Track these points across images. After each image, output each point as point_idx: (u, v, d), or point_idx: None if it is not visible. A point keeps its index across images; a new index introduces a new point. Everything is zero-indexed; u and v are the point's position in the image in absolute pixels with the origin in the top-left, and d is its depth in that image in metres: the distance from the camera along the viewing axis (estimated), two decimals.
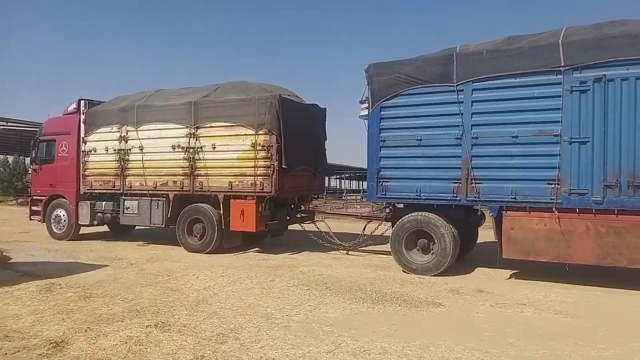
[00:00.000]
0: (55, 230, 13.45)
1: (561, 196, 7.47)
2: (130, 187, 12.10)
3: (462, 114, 8.21)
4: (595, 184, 7.31)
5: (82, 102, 12.99)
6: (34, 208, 14.10)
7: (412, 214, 8.67)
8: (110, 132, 12.39)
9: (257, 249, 11.62)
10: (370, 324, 5.65)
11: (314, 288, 7.46)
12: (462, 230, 8.80)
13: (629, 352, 4.84)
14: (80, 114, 12.94)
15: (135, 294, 7.13)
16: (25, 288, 7.38)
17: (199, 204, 11.30)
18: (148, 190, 11.83)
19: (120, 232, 14.06)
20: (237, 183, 10.77)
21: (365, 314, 6.09)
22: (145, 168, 11.88)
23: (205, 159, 11.12)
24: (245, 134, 10.66)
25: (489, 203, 8.07)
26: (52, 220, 13.49)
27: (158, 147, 11.69)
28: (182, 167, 11.37)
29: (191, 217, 11.32)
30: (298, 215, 12.27)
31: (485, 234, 10.45)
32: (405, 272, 8.68)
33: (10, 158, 33.36)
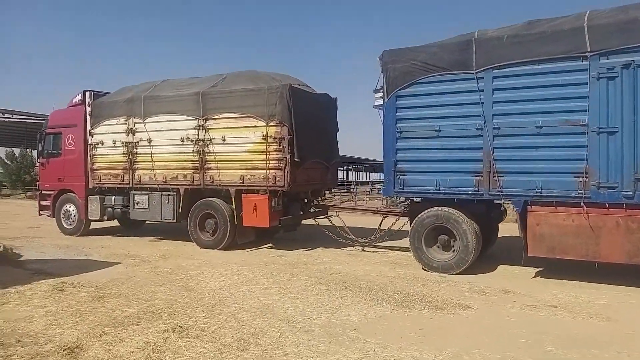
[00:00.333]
0: (65, 225, 13.29)
1: (590, 190, 7.14)
2: (140, 181, 11.88)
3: (482, 103, 7.88)
4: (626, 177, 6.97)
5: (88, 94, 12.71)
6: (42, 203, 13.93)
7: (432, 209, 8.38)
8: (117, 124, 12.13)
9: (270, 244, 11.40)
10: (396, 329, 5.41)
11: (333, 288, 7.23)
12: (484, 226, 8.50)
13: None
14: (85, 106, 12.66)
15: (150, 293, 6.93)
16: (37, 288, 7.20)
17: (210, 199, 11.08)
18: (158, 184, 11.61)
19: (131, 227, 13.89)
20: (248, 177, 10.52)
21: (390, 317, 5.85)
22: (154, 161, 11.63)
23: (216, 152, 10.85)
24: (255, 126, 10.38)
25: (513, 197, 7.76)
26: (62, 216, 13.33)
27: (166, 140, 11.43)
28: (192, 161, 11.11)
29: (203, 212, 11.10)
30: (311, 210, 12.01)
31: (505, 227, 10.19)
32: (425, 270, 8.42)
33: (17, 151, 33.23)
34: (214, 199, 11.03)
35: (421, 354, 4.64)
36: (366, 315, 5.90)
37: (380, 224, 10.09)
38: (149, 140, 11.63)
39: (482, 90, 7.87)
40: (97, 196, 12.64)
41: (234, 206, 10.68)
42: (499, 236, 9.91)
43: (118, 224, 14.10)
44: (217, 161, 10.83)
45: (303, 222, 12.07)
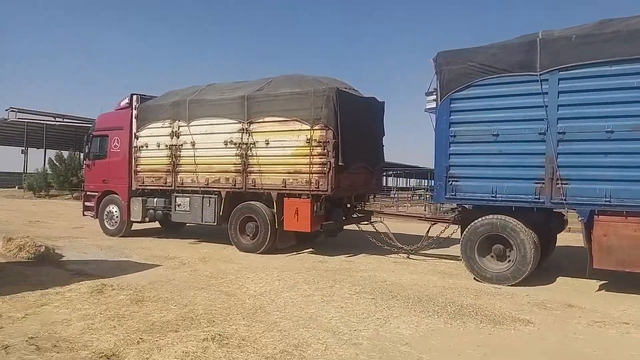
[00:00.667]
0: (107, 226, 13.37)
1: None
2: (182, 183, 11.80)
3: (546, 106, 7.32)
4: None
5: (135, 97, 12.80)
6: (87, 204, 14.10)
7: (487, 217, 7.84)
8: (162, 127, 12.12)
9: (311, 249, 11.06)
10: (452, 345, 4.94)
11: (379, 297, 6.80)
12: (542, 236, 7.90)
13: None
14: (132, 109, 12.75)
15: (189, 298, 6.69)
16: (76, 289, 7.08)
17: (251, 202, 10.85)
18: (200, 187, 11.49)
19: (171, 229, 13.85)
20: (291, 181, 10.24)
21: (444, 331, 5.38)
22: (197, 164, 11.52)
23: (258, 156, 10.63)
24: (300, 129, 10.10)
25: (578, 206, 7.15)
26: (105, 216, 13.41)
27: (210, 143, 11.31)
28: (235, 164, 10.94)
29: (244, 215, 10.88)
30: (354, 215, 11.62)
31: (561, 237, 9.50)
32: (477, 280, 7.88)
33: (66, 153, 34.25)
34: (255, 202, 10.80)
35: None
36: (417, 329, 5.45)
37: (428, 231, 9.59)
38: (193, 144, 11.54)
39: (547, 93, 7.33)
40: (140, 198, 12.65)
41: (275, 210, 10.41)
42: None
43: (159, 226, 14.10)
44: (260, 164, 10.61)
45: (345, 227, 11.68)
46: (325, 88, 9.99)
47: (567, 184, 7.18)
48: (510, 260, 7.68)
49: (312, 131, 9.92)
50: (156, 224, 13.80)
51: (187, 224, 13.67)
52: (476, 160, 7.93)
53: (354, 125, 10.25)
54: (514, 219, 7.62)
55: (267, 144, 10.48)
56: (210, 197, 11.34)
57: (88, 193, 14.10)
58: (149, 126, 12.36)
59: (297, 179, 10.16)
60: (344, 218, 11.27)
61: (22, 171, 42.75)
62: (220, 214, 11.17)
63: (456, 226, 9.01)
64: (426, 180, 75.82)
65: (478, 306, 6.32)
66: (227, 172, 11.07)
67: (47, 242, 10.46)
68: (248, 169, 10.75)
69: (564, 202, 7.21)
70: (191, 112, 11.55)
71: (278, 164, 10.39)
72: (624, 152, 6.79)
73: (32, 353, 4.60)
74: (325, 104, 9.78)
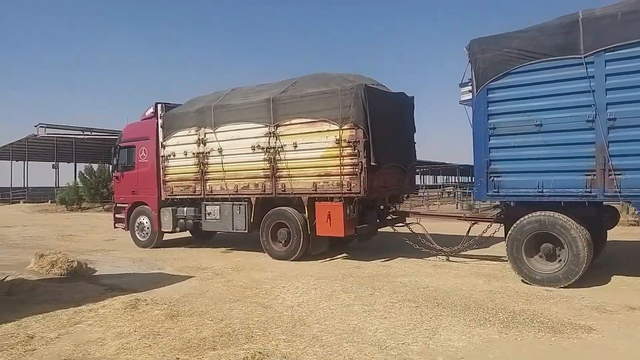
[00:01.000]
0: (139, 237, 13.30)
1: None
2: (211, 191, 11.61)
3: (593, 91, 6.80)
4: None
5: (159, 106, 12.68)
6: (117, 215, 14.07)
7: (534, 214, 7.35)
8: (188, 135, 11.96)
9: (345, 254, 10.71)
10: (512, 358, 4.53)
11: (423, 305, 6.41)
12: (594, 232, 7.37)
13: None
14: (157, 118, 12.64)
15: (225, 311, 6.43)
16: (109, 305, 6.91)
17: (282, 208, 10.58)
18: (229, 194, 11.28)
19: (202, 238, 13.71)
20: (321, 184, 9.92)
21: (500, 343, 4.96)
22: (225, 171, 11.32)
23: (287, 159, 10.35)
24: (328, 130, 9.77)
25: (634, 198, 6.64)
26: (136, 228, 13.35)
27: (237, 149, 11.08)
28: (263, 169, 10.68)
29: (275, 221, 10.61)
30: (388, 217, 11.23)
31: (611, 231, 8.91)
32: (525, 282, 7.40)
33: (95, 166, 34.79)
34: (286, 207, 10.52)
35: None
36: (470, 340, 5.04)
37: (469, 231, 9.13)
38: (220, 150, 11.34)
39: (593, 77, 6.81)
40: (170, 208, 12.53)
41: (307, 215, 10.11)
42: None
43: (190, 235, 13.97)
44: (289, 168, 10.33)
45: (378, 230, 11.30)
46: (352, 85, 9.64)
47: (620, 174, 6.65)
48: (561, 260, 7.17)
49: (341, 131, 9.58)
50: (187, 234, 13.67)
51: (218, 232, 13.48)
52: (519, 153, 7.44)
53: (384, 122, 9.87)
54: (564, 215, 7.11)
55: (296, 146, 10.19)
56: (240, 204, 11.12)
57: (118, 205, 14.07)
58: (175, 135, 12.22)
59: (327, 182, 9.84)
60: (378, 220, 10.90)
61: (54, 185, 43.68)
62: (251, 221, 10.93)
63: (498, 225, 8.56)
64: (454, 177, 74.88)
65: (532, 312, 5.88)
66: (256, 177, 10.83)
67: (79, 256, 10.39)
68: (277, 174, 10.48)
69: (619, 194, 6.69)
70: (216, 118, 11.35)
71: (307, 167, 10.08)
72: None
73: None
74: (354, 102, 9.43)
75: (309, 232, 10.08)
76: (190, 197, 12.11)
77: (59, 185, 41.38)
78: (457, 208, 23.42)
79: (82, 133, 39.30)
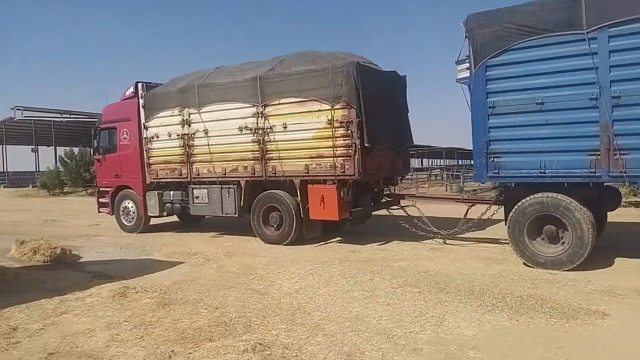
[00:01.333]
0: (124, 222, 12.89)
1: None
2: (198, 174, 11.21)
3: (596, 67, 6.56)
4: None
5: (140, 85, 12.09)
6: (101, 200, 13.58)
7: (536, 195, 7.15)
8: (171, 115, 11.45)
9: (339, 238, 10.46)
10: (527, 347, 4.32)
11: (426, 290, 6.20)
12: (596, 213, 7.21)
13: None
14: (138, 98, 12.08)
15: (219, 299, 6.16)
16: (97, 294, 6.59)
17: (273, 191, 10.25)
18: (217, 177, 10.90)
19: (190, 222, 13.33)
20: (314, 166, 9.60)
21: (512, 330, 4.76)
22: (212, 153, 10.90)
23: (277, 141, 9.98)
24: (319, 110, 9.41)
25: None
26: (121, 212, 12.92)
27: (224, 130, 10.64)
28: (252, 151, 10.31)
29: (266, 205, 10.30)
30: (383, 200, 10.98)
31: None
32: (528, 266, 7.23)
33: (76, 149, 33.83)
34: (277, 191, 10.20)
35: None
36: (481, 328, 4.84)
37: (466, 214, 8.95)
38: (206, 131, 10.90)
39: (596, 53, 6.55)
40: (155, 192, 12.11)
41: (299, 198, 9.82)
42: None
43: (177, 220, 13.59)
44: (279, 150, 9.97)
45: (373, 213, 11.06)
46: (343, 63, 9.27)
47: (626, 154, 6.45)
48: (564, 243, 7.00)
49: (333, 111, 9.24)
50: (174, 218, 13.28)
51: (207, 217, 13.12)
52: (520, 132, 7.20)
53: (378, 102, 9.55)
54: (567, 197, 6.93)
55: (285, 127, 9.83)
56: (230, 188, 10.76)
57: (101, 189, 13.58)
58: (158, 115, 11.71)
59: (320, 164, 9.53)
60: (372, 203, 10.66)
61: (35, 170, 42.62)
62: (241, 204, 10.60)
63: (496, 207, 8.39)
64: (440, 160, 75.13)
65: (540, 297, 5.69)
66: (244, 160, 10.46)
67: (63, 242, 9.96)
68: (267, 156, 10.12)
69: (624, 174, 6.51)
70: (201, 97, 10.88)
71: (298, 149, 9.74)
72: None
73: None
74: (346, 81, 9.07)
75: (302, 216, 9.80)
76: (176, 180, 11.70)
77: (40, 170, 40.32)
78: (446, 190, 23.33)
79: (60, 116, 38.22)
